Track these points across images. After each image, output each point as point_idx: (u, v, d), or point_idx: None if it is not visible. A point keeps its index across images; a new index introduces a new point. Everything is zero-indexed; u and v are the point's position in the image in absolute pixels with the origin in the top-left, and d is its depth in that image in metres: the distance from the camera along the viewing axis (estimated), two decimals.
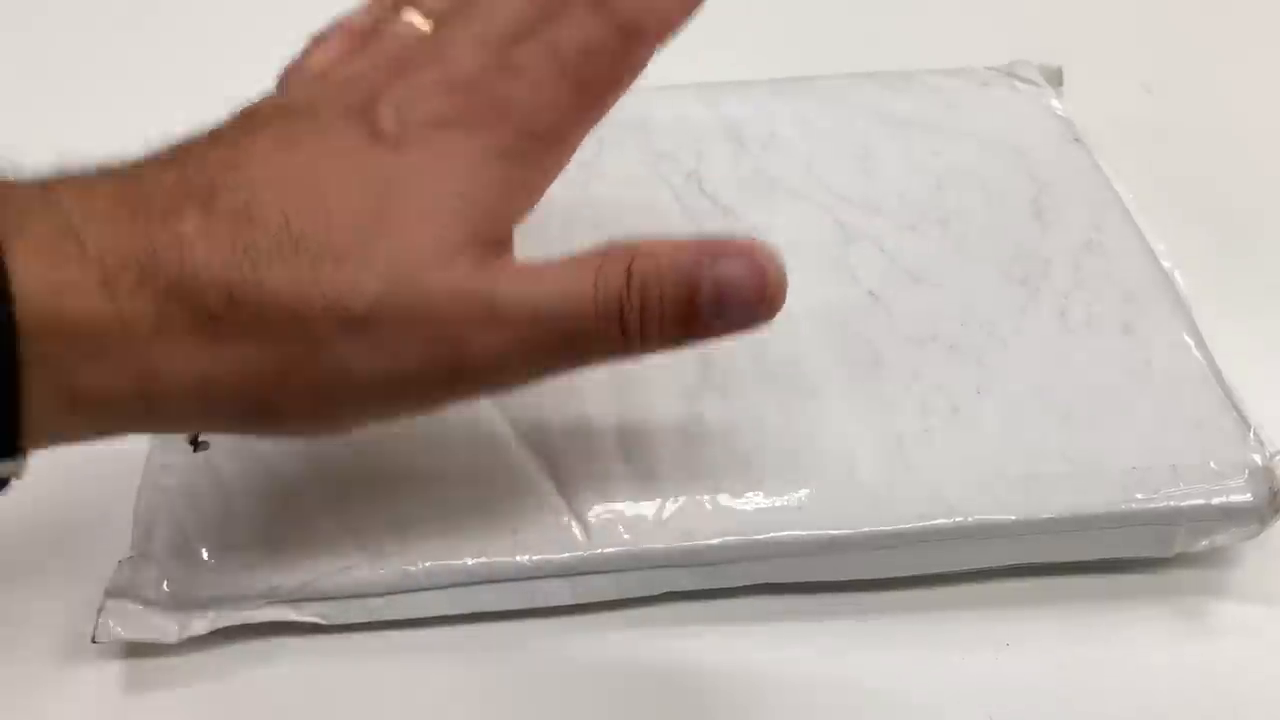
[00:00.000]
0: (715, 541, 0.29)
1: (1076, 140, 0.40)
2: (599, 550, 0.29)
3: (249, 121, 0.25)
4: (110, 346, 0.21)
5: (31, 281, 0.20)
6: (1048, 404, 0.32)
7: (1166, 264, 0.36)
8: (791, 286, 0.35)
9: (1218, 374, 0.33)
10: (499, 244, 0.25)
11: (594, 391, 0.32)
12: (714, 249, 0.25)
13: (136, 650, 0.29)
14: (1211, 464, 0.30)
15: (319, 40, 0.29)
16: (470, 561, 0.29)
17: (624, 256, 0.24)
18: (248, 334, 0.22)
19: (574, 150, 0.27)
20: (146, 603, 0.28)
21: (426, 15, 0.28)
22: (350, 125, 0.24)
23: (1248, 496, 0.30)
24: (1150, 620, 0.31)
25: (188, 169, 0.23)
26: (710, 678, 0.30)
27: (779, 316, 0.34)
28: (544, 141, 0.26)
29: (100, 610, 0.28)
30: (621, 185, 0.39)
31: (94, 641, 0.28)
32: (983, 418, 0.31)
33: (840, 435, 0.31)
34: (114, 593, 0.29)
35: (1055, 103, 0.42)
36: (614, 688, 0.29)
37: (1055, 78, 0.44)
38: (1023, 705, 0.29)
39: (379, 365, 0.23)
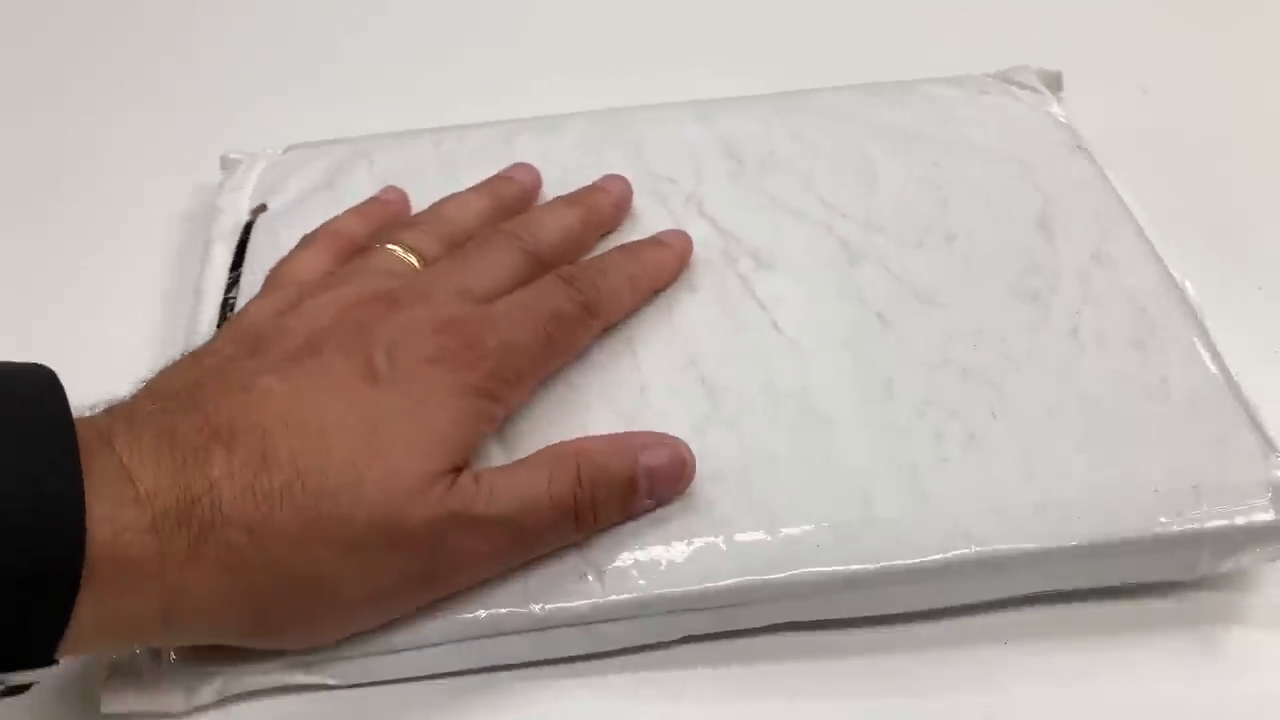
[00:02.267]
0: (732, 583, 0.29)
1: (1079, 148, 0.40)
2: (614, 597, 0.29)
3: (256, 356, 0.28)
4: (148, 577, 0.24)
5: (95, 522, 0.23)
6: (1064, 427, 0.31)
7: (1176, 273, 0.36)
8: (798, 309, 0.35)
9: (1235, 388, 0.32)
10: (467, 464, 0.28)
11: (604, 428, 0.31)
12: (640, 441, 0.30)
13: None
14: (1234, 483, 0.30)
15: (308, 244, 0.35)
16: (483, 614, 0.28)
17: (570, 462, 0.29)
18: (259, 563, 0.25)
19: (532, 391, 0.32)
20: (153, 672, 0.28)
21: (414, 253, 0.33)
22: (347, 364, 0.28)
23: (1271, 515, 0.29)
24: (1170, 649, 0.30)
25: (209, 411, 0.26)
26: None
27: (787, 343, 0.34)
28: (511, 383, 0.30)
29: (106, 681, 0.28)
30: None
31: (103, 714, 0.27)
32: (999, 444, 0.31)
33: (854, 467, 0.31)
34: (120, 664, 0.28)
35: (1056, 109, 0.42)
36: None
37: (1054, 83, 0.43)
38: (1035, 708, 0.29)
39: (366, 583, 0.27)
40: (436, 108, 0.44)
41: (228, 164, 0.42)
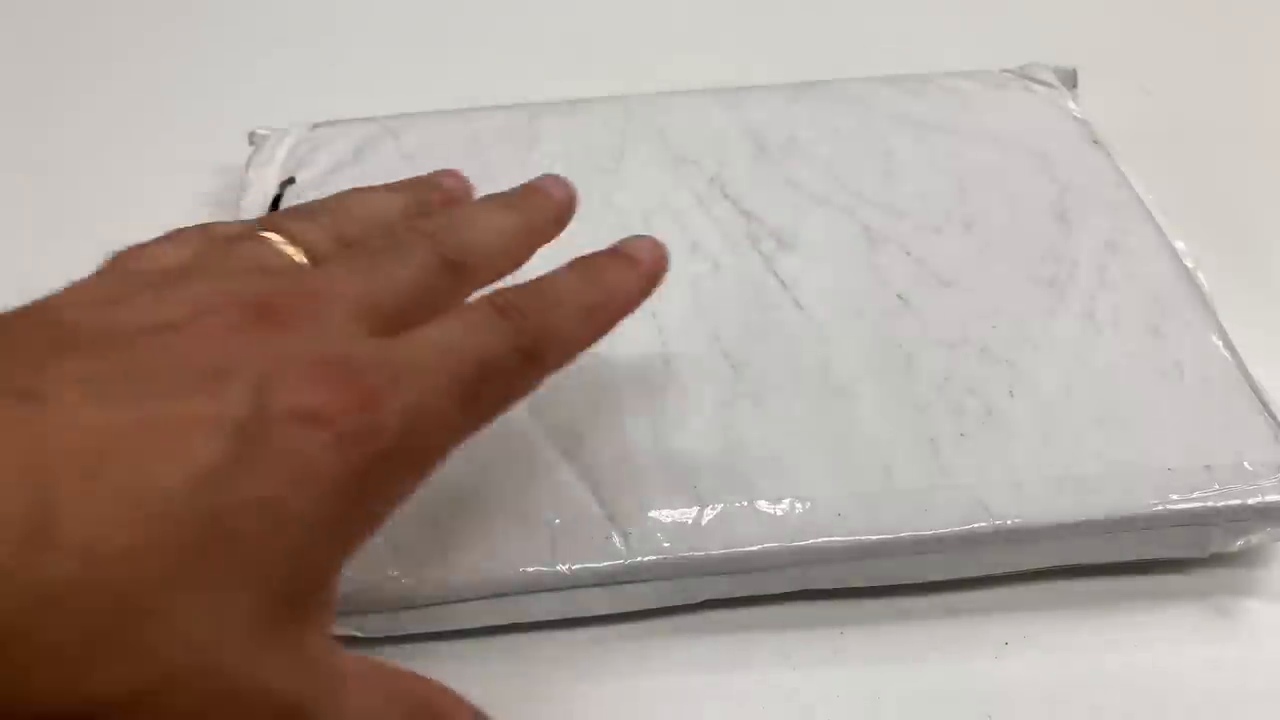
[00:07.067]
0: (755, 548, 0.29)
1: (1095, 142, 0.41)
2: (639, 559, 0.29)
3: (60, 353, 0.19)
4: None
5: None
6: (1080, 405, 0.32)
7: (1189, 263, 0.36)
8: (819, 289, 0.36)
9: (1246, 374, 0.33)
10: (318, 607, 0.20)
11: (630, 400, 0.32)
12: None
13: None
14: (1245, 464, 0.30)
15: (173, 236, 0.25)
16: (510, 571, 0.29)
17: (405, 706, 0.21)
18: None
19: (429, 474, 0.22)
20: None
21: (301, 247, 0.24)
22: (188, 402, 0.18)
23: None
24: (1181, 622, 0.31)
25: None
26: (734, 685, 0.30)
27: (808, 320, 0.34)
28: (409, 468, 0.21)
29: None
30: (644, 192, 0.39)
31: None
32: (1017, 420, 0.31)
33: (874, 439, 0.31)
34: None
35: (1071, 104, 0.43)
36: (653, 697, 0.29)
37: (1069, 79, 0.44)
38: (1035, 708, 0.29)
39: None
40: (461, 91, 0.44)
41: (256, 139, 0.42)
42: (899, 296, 0.35)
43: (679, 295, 0.35)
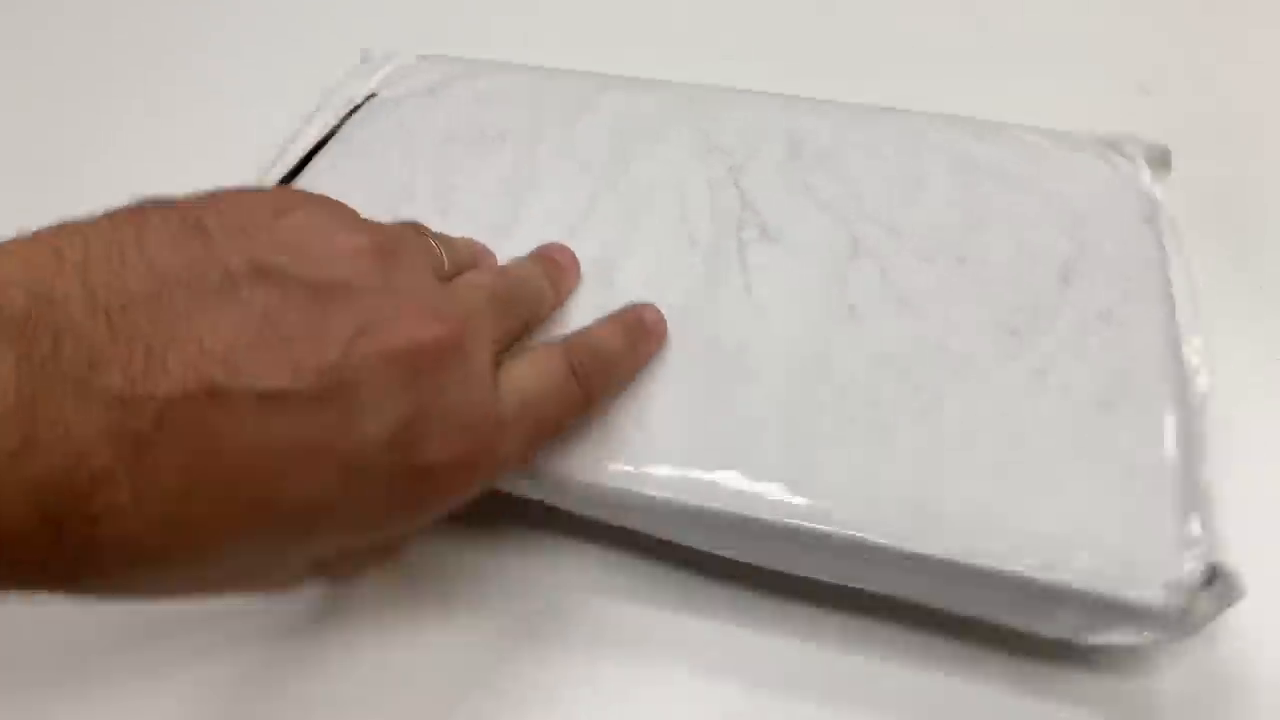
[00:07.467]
0: (594, 480, 0.30)
1: (1148, 221, 0.38)
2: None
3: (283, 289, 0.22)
4: None
5: None
6: (982, 451, 0.30)
7: (1194, 359, 0.33)
8: (776, 283, 0.36)
9: (1189, 478, 0.30)
10: None
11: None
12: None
13: None
14: (1125, 557, 0.28)
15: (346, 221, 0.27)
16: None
17: None
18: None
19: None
20: None
21: (445, 252, 0.29)
22: (330, 433, 0.22)
23: (1155, 598, 0.27)
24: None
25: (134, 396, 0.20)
26: None
27: (749, 304, 0.35)
28: (479, 488, 0.27)
29: None
30: (662, 169, 0.40)
31: None
32: (901, 442, 0.30)
33: (753, 419, 0.31)
34: None
35: (1146, 180, 0.40)
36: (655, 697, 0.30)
37: (1162, 159, 0.41)
38: None
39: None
40: (595, 57, 0.47)
41: (366, 57, 0.47)
42: (850, 306, 0.34)
43: (642, 261, 0.36)
